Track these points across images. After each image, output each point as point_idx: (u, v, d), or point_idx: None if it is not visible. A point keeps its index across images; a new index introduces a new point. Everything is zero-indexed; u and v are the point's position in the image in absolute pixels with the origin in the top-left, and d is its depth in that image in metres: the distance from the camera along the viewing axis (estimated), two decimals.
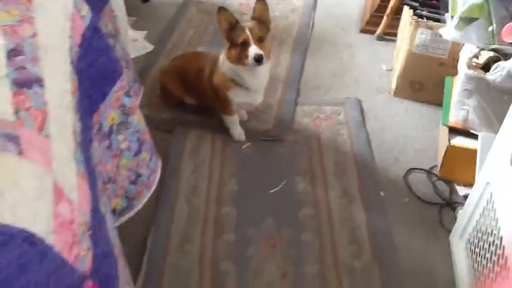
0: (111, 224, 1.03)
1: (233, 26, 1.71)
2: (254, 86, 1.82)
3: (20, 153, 0.66)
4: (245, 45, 1.68)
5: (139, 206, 1.34)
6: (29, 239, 0.62)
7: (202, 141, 1.98)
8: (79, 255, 0.74)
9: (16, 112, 0.69)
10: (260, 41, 1.70)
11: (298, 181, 1.80)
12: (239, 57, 1.71)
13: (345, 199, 1.72)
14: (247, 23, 1.73)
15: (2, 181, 0.62)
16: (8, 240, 0.58)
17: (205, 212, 1.68)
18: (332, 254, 1.54)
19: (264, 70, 1.80)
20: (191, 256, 1.53)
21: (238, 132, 1.98)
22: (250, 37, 1.67)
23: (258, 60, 1.66)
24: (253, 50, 1.66)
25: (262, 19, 1.74)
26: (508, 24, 1.65)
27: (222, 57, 1.81)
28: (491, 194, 1.33)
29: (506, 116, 1.30)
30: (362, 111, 2.15)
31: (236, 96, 1.84)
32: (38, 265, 0.62)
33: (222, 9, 1.69)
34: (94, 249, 0.81)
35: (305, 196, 1.73)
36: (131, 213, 1.32)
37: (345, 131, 2.03)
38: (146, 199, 1.36)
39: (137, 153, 1.30)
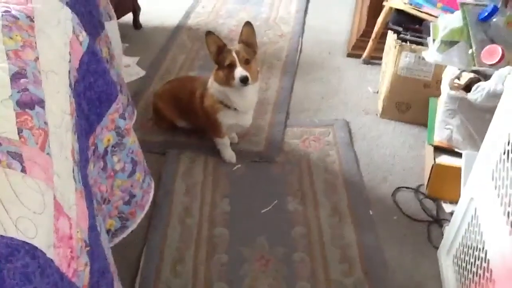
0: (107, 243, 1.05)
1: (221, 49, 1.78)
2: (242, 107, 1.88)
3: (24, 170, 0.69)
4: (231, 67, 1.74)
5: (133, 226, 1.37)
6: (31, 251, 0.64)
7: (195, 163, 2.01)
8: (77, 270, 0.77)
9: (20, 131, 0.73)
10: (246, 63, 1.76)
11: (289, 200, 1.83)
12: (226, 79, 1.77)
13: (335, 218, 1.75)
14: (234, 46, 1.80)
15: (7, 196, 0.65)
16: (12, 252, 0.61)
17: (197, 232, 1.70)
18: (324, 272, 1.56)
19: (251, 91, 1.86)
20: (184, 277, 1.54)
21: (229, 154, 2.02)
22: (236, 59, 1.74)
23: (244, 81, 1.72)
24: (239, 71, 1.73)
25: (249, 42, 1.82)
26: (487, 47, 1.73)
27: (211, 79, 1.87)
28: (475, 210, 1.37)
29: (486, 134, 1.36)
30: (350, 132, 2.20)
31: (225, 118, 1.89)
32: (39, 277, 0.65)
33: (210, 33, 1.77)
34: (91, 265, 0.84)
35: (296, 215, 1.76)
36: (125, 234, 1.35)
37: (333, 151, 2.08)
38: (139, 220, 1.39)
39: (131, 174, 1.33)
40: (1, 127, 0.72)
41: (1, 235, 0.61)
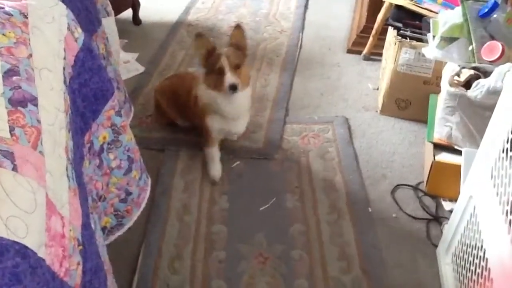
0: (101, 241, 1.04)
1: (210, 53, 1.71)
2: (230, 114, 1.81)
3: (15, 168, 0.68)
4: (221, 72, 1.67)
5: (129, 224, 1.36)
6: (21, 251, 0.64)
7: (193, 160, 2.01)
8: (69, 270, 0.76)
9: (12, 129, 0.72)
10: (236, 68, 1.69)
11: (287, 198, 1.82)
12: (216, 84, 1.70)
13: (334, 215, 1.75)
14: (224, 50, 1.73)
15: None
16: (2, 252, 0.60)
17: (196, 229, 1.69)
18: (322, 269, 1.56)
19: (241, 98, 1.78)
20: (182, 273, 1.54)
21: (214, 169, 1.91)
22: (226, 65, 1.66)
23: (233, 88, 1.65)
24: (229, 78, 1.65)
25: (239, 45, 1.74)
26: (487, 43, 1.72)
27: (200, 83, 1.80)
28: (474, 208, 1.36)
29: (486, 131, 1.35)
30: (349, 129, 2.19)
31: (213, 123, 1.84)
32: (30, 277, 0.64)
33: (199, 35, 1.71)
34: (84, 264, 0.83)
35: (295, 213, 1.76)
36: (121, 231, 1.34)
37: (333, 148, 2.07)
38: (135, 217, 1.38)
39: (127, 171, 1.32)
40: None
41: None
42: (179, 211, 1.77)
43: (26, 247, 0.64)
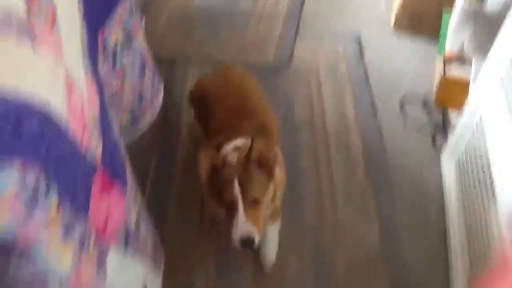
0: (118, 134, 1.09)
1: (217, 171, 1.11)
2: None
3: (34, 45, 0.71)
4: (231, 207, 1.10)
5: (144, 126, 1.40)
6: (46, 116, 0.67)
7: (204, 71, 2.01)
8: (90, 145, 0.81)
9: (29, 8, 0.73)
10: (254, 204, 1.09)
11: (296, 110, 1.85)
12: (225, 216, 1.15)
13: (342, 127, 1.79)
14: (238, 168, 1.10)
15: (19, 69, 0.68)
16: (28, 116, 0.64)
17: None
18: (328, 177, 1.62)
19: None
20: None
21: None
22: (240, 199, 1.08)
23: (247, 244, 1.08)
24: (241, 226, 1.07)
25: (262, 162, 1.12)
26: None
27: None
28: (481, 117, 1.39)
29: (495, 42, 1.34)
30: (360, 45, 2.17)
31: None
32: (55, 140, 0.68)
33: (205, 149, 1.12)
34: (104, 144, 0.88)
35: (303, 124, 1.80)
36: (136, 133, 1.39)
37: (343, 64, 2.06)
38: (150, 121, 1.43)
39: (140, 75, 1.35)
40: (11, 6, 0.73)
41: (18, 103, 0.64)
42: (190, 122, 1.81)
43: (50, 114, 0.68)
